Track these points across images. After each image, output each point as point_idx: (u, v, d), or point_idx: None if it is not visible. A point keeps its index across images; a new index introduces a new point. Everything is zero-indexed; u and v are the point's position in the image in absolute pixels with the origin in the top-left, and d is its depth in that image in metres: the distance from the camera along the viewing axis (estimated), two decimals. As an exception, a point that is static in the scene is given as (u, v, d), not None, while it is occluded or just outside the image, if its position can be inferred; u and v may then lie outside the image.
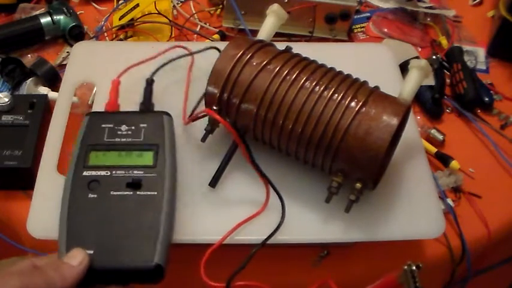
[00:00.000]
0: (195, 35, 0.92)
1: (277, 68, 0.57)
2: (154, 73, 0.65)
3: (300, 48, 0.62)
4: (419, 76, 0.57)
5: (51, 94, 0.77)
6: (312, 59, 0.60)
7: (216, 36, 0.92)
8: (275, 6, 0.63)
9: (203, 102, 0.61)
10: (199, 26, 0.95)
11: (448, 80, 0.89)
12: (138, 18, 0.89)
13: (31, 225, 0.57)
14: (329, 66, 0.59)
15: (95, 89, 0.71)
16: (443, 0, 1.03)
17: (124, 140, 0.56)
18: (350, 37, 0.94)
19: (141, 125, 0.57)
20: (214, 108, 0.58)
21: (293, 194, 0.59)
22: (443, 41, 0.94)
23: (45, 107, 0.73)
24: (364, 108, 0.54)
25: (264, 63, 0.57)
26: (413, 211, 0.60)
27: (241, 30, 0.90)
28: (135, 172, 0.54)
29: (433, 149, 0.77)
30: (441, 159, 0.76)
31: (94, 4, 0.98)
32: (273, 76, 0.56)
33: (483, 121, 0.83)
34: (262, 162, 0.56)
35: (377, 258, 0.65)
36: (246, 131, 0.58)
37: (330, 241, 0.60)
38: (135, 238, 0.50)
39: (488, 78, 0.91)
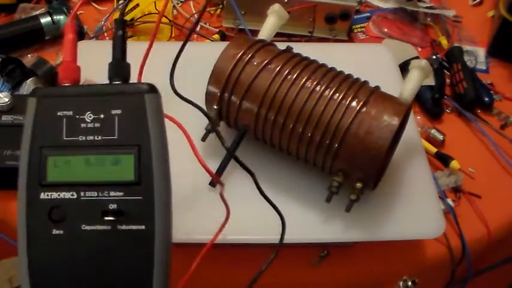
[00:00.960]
0: (195, 35, 0.92)
1: (278, 68, 0.57)
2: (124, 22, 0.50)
3: (300, 48, 0.62)
4: (419, 76, 0.57)
5: (51, 94, 0.76)
6: (312, 58, 0.60)
7: (216, 36, 0.92)
8: (276, 6, 0.63)
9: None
10: (199, 26, 0.95)
11: (448, 80, 0.89)
12: (138, 18, 0.89)
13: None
14: (329, 66, 0.59)
15: (95, 88, 0.71)
16: (443, 0, 1.03)
17: (91, 138, 0.39)
18: (350, 37, 0.94)
19: (113, 111, 0.39)
20: (215, 107, 0.58)
21: (293, 193, 0.59)
22: (443, 41, 0.94)
23: (45, 107, 0.73)
24: (364, 108, 0.54)
25: (265, 62, 0.57)
26: (413, 211, 0.60)
27: (241, 30, 0.90)
28: (112, 194, 0.38)
29: (433, 149, 0.77)
30: (441, 159, 0.76)
31: (94, 4, 0.98)
32: (274, 75, 0.56)
33: (483, 121, 0.83)
34: (263, 161, 0.56)
35: (377, 258, 0.65)
36: (247, 131, 0.58)
37: (330, 241, 0.60)
38: None
39: (488, 78, 0.91)
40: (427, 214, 0.60)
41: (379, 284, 0.67)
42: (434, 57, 0.90)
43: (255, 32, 0.72)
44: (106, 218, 0.37)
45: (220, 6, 0.97)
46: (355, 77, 0.58)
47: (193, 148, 0.45)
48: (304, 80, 0.56)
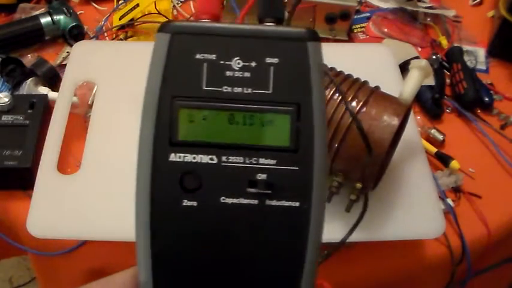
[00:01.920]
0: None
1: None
2: None
3: (300, 48, 0.62)
4: (419, 76, 0.57)
5: (51, 94, 0.77)
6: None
7: (216, 36, 0.92)
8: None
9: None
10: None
11: (448, 80, 0.88)
12: (138, 18, 0.89)
13: (31, 224, 0.57)
14: (329, 66, 0.59)
15: (95, 89, 0.71)
16: (443, 0, 1.03)
17: (238, 89, 0.31)
18: (350, 37, 0.94)
19: (268, 60, 0.31)
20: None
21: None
22: (443, 41, 0.94)
23: (45, 107, 0.73)
24: (364, 108, 0.54)
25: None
26: (413, 211, 0.60)
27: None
28: (262, 161, 0.31)
29: (433, 149, 0.77)
30: (441, 159, 0.76)
31: (94, 4, 0.98)
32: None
33: (483, 121, 0.83)
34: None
35: (377, 258, 0.65)
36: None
37: (330, 241, 0.60)
38: (263, 283, 0.31)
39: (488, 78, 0.91)
40: (427, 214, 0.60)
41: (379, 283, 0.67)
42: (434, 57, 0.90)
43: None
44: (252, 190, 0.30)
45: (220, 6, 0.97)
46: (355, 77, 0.58)
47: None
48: (304, 80, 0.56)
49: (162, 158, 0.31)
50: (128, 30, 0.90)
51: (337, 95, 0.55)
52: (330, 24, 0.90)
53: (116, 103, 0.68)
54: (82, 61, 0.73)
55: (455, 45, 0.93)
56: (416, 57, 0.87)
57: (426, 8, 0.98)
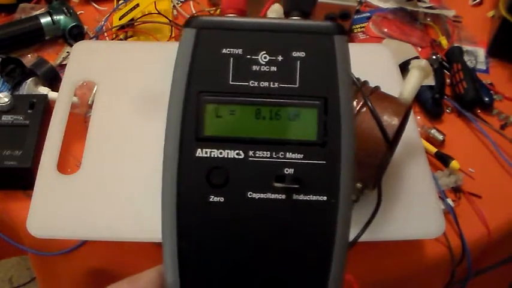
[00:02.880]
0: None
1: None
2: None
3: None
4: (419, 76, 0.57)
5: (51, 94, 0.77)
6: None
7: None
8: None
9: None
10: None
11: (448, 80, 0.89)
12: (138, 18, 0.89)
13: (31, 224, 0.57)
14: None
15: (95, 88, 0.71)
16: (443, 0, 1.03)
17: (265, 84, 0.31)
18: (350, 37, 0.94)
19: (295, 54, 0.31)
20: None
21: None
22: (443, 41, 0.94)
23: (45, 107, 0.73)
24: (364, 108, 0.54)
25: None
26: (413, 211, 0.60)
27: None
28: (289, 155, 0.31)
29: (433, 149, 0.77)
30: (441, 159, 0.76)
31: (94, 4, 0.98)
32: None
33: (483, 121, 0.83)
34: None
35: (377, 258, 0.65)
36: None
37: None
38: (292, 278, 0.31)
39: (488, 78, 0.91)
40: (427, 214, 0.60)
41: (379, 283, 0.67)
42: (434, 57, 0.90)
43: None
44: (279, 185, 0.30)
45: (220, 6, 0.97)
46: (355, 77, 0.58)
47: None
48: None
49: (188, 153, 0.30)
50: (128, 30, 0.90)
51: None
52: (330, 24, 0.90)
53: (116, 103, 0.68)
54: (82, 61, 0.73)
55: (455, 45, 0.93)
56: (416, 57, 0.87)
57: (426, 8, 0.98)
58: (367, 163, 0.53)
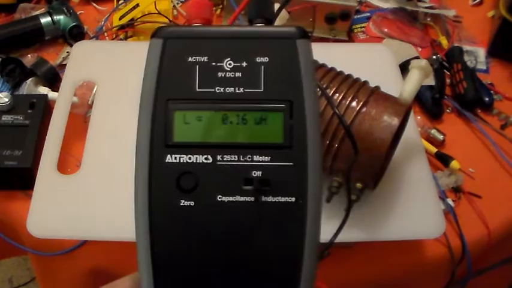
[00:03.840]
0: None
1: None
2: None
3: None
4: (419, 76, 0.57)
5: (51, 94, 0.77)
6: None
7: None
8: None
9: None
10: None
11: (448, 80, 0.89)
12: (138, 18, 0.89)
13: (31, 224, 0.57)
14: (329, 67, 0.59)
15: (95, 88, 0.71)
16: (443, 0, 1.03)
17: (230, 89, 0.32)
18: (350, 37, 0.94)
19: (259, 59, 0.32)
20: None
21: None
22: (443, 41, 0.94)
23: (45, 107, 0.73)
24: (364, 108, 0.54)
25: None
26: (413, 211, 0.60)
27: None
28: (257, 158, 0.31)
29: (433, 149, 0.77)
30: (441, 159, 0.76)
31: (94, 4, 0.98)
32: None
33: (483, 121, 0.83)
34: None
35: (377, 258, 0.65)
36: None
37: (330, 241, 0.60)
38: (264, 280, 0.31)
39: (488, 78, 0.91)
40: (427, 214, 0.60)
41: (378, 283, 0.67)
42: (434, 57, 0.90)
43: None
44: (247, 188, 0.31)
45: (220, 6, 0.97)
46: (355, 77, 0.58)
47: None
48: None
49: (158, 160, 0.31)
50: (128, 30, 0.90)
51: (337, 95, 0.55)
52: (330, 24, 0.90)
53: (116, 103, 0.68)
54: (82, 61, 0.73)
55: (456, 45, 0.93)
56: (416, 57, 0.87)
57: (426, 8, 0.98)
58: (367, 163, 0.53)
